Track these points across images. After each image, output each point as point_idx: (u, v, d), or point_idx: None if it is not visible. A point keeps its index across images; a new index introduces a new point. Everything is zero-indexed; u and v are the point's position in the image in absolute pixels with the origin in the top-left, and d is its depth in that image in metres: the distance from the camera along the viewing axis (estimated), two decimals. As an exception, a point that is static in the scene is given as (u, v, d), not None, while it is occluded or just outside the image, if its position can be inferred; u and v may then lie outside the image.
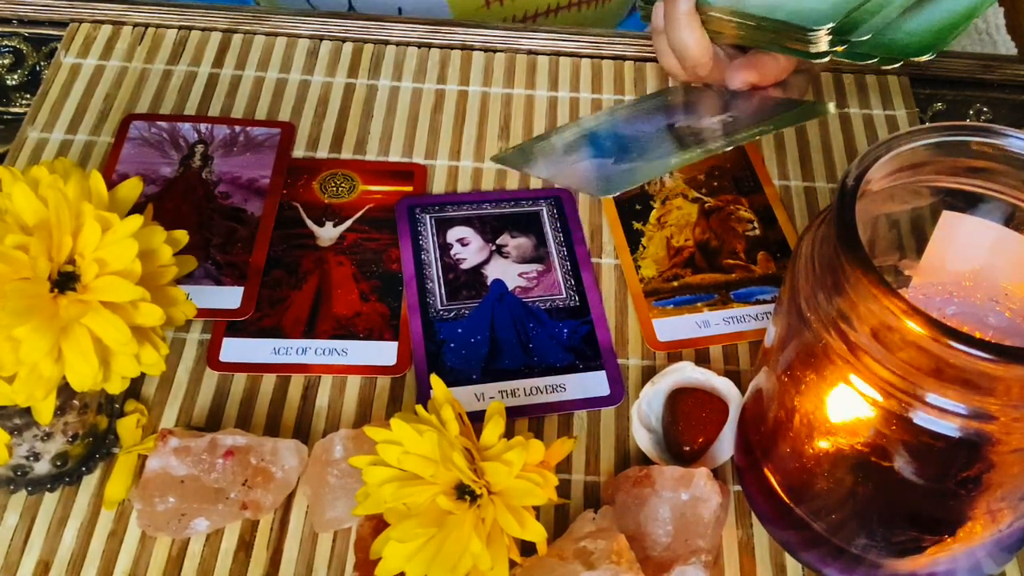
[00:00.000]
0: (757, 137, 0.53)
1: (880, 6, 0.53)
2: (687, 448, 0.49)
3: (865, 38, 0.53)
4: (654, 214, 0.59)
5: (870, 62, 0.53)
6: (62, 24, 0.68)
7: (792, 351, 0.41)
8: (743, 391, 0.50)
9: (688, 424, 0.49)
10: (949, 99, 0.68)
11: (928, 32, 0.53)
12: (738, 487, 0.49)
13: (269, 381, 0.52)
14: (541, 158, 0.57)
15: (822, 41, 0.54)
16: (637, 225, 0.59)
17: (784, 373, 0.42)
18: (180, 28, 0.67)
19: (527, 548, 0.43)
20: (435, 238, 0.58)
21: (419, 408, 0.43)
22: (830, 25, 0.53)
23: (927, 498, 0.40)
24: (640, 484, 0.46)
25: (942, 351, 0.34)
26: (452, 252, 0.57)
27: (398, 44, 0.68)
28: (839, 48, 0.54)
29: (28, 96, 0.64)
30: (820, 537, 0.44)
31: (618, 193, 0.54)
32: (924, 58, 0.52)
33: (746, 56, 0.60)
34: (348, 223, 0.58)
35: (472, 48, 0.68)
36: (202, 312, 0.53)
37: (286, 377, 0.52)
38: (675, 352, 0.54)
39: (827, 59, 0.54)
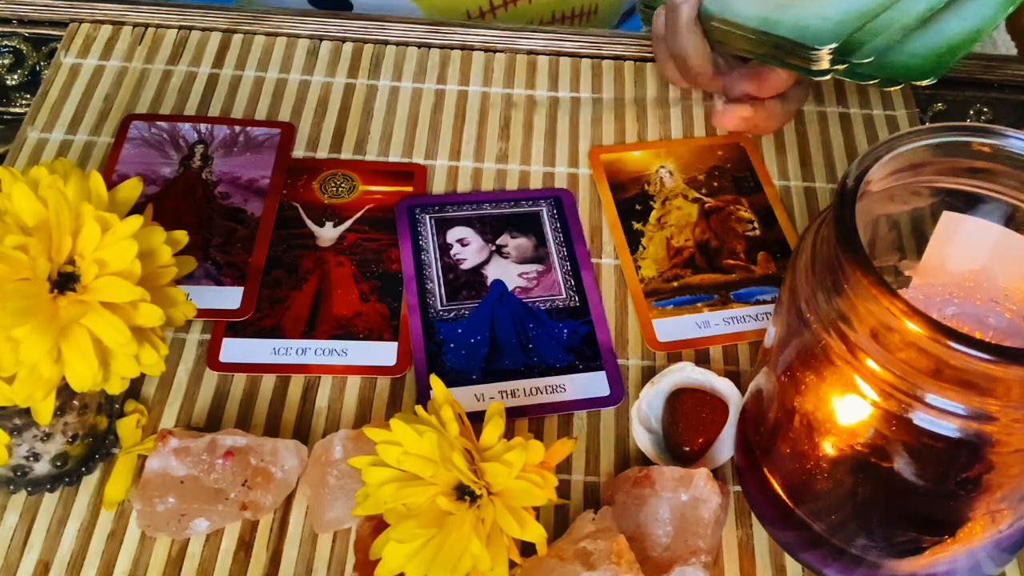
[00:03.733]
0: None
1: (884, 27, 0.53)
2: (687, 448, 0.49)
3: (867, 60, 0.53)
4: (654, 214, 0.59)
5: (871, 83, 0.53)
6: (62, 24, 0.68)
7: (792, 352, 0.41)
8: (743, 391, 0.49)
9: (688, 424, 0.49)
10: (949, 99, 0.68)
11: (931, 55, 0.53)
12: (738, 487, 0.49)
13: (269, 381, 0.52)
14: None
15: (823, 60, 0.53)
16: (637, 225, 0.59)
17: (784, 374, 0.42)
18: (180, 28, 0.67)
19: (527, 548, 0.43)
20: (435, 238, 0.58)
21: (419, 409, 0.43)
22: (832, 46, 0.53)
23: (927, 499, 0.40)
24: (640, 485, 0.46)
25: (942, 352, 0.34)
26: (452, 252, 0.57)
27: (398, 44, 0.68)
28: (840, 67, 0.54)
29: (28, 96, 0.64)
30: (820, 538, 0.44)
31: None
32: (926, 82, 0.52)
33: (748, 66, 0.59)
34: (348, 223, 0.58)
35: (472, 48, 0.68)
36: (202, 312, 0.53)
37: (286, 377, 0.52)
38: (675, 352, 0.54)
39: (828, 76, 0.54)
